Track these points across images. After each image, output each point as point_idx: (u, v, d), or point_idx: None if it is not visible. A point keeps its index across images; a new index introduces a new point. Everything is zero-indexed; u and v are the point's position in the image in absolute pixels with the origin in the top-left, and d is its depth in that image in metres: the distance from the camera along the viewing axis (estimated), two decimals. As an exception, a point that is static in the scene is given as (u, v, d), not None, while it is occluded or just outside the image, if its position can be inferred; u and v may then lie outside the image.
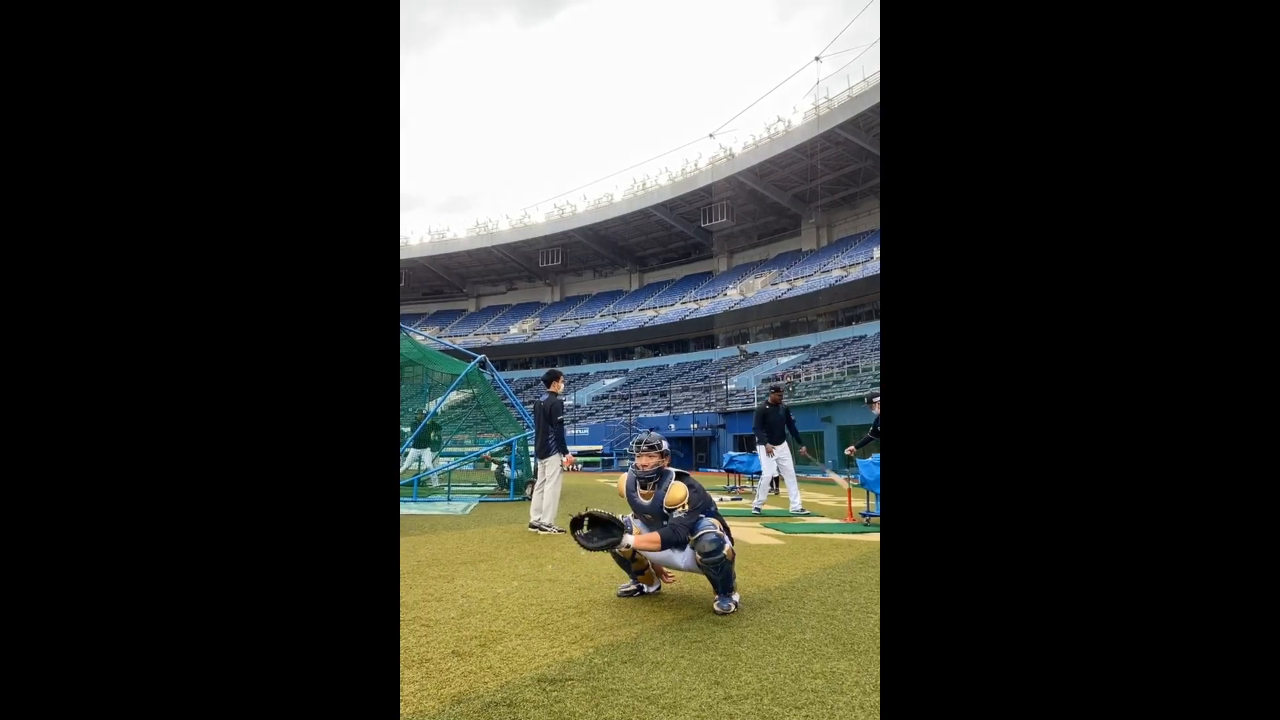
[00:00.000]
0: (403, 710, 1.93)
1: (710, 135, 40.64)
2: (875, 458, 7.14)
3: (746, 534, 6.25)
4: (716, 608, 3.15)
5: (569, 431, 8.72)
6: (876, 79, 30.27)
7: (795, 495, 8.12)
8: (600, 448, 28.85)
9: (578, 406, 37.37)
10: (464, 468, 14.80)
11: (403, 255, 47.50)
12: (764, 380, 26.58)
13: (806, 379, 27.85)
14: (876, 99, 29.31)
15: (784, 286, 37.35)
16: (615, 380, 42.58)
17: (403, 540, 5.60)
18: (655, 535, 3.20)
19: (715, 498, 11.92)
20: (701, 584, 3.80)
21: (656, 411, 33.34)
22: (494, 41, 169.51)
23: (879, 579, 2.99)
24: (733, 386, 30.71)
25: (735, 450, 17.53)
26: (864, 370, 25.03)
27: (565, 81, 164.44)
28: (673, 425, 30.58)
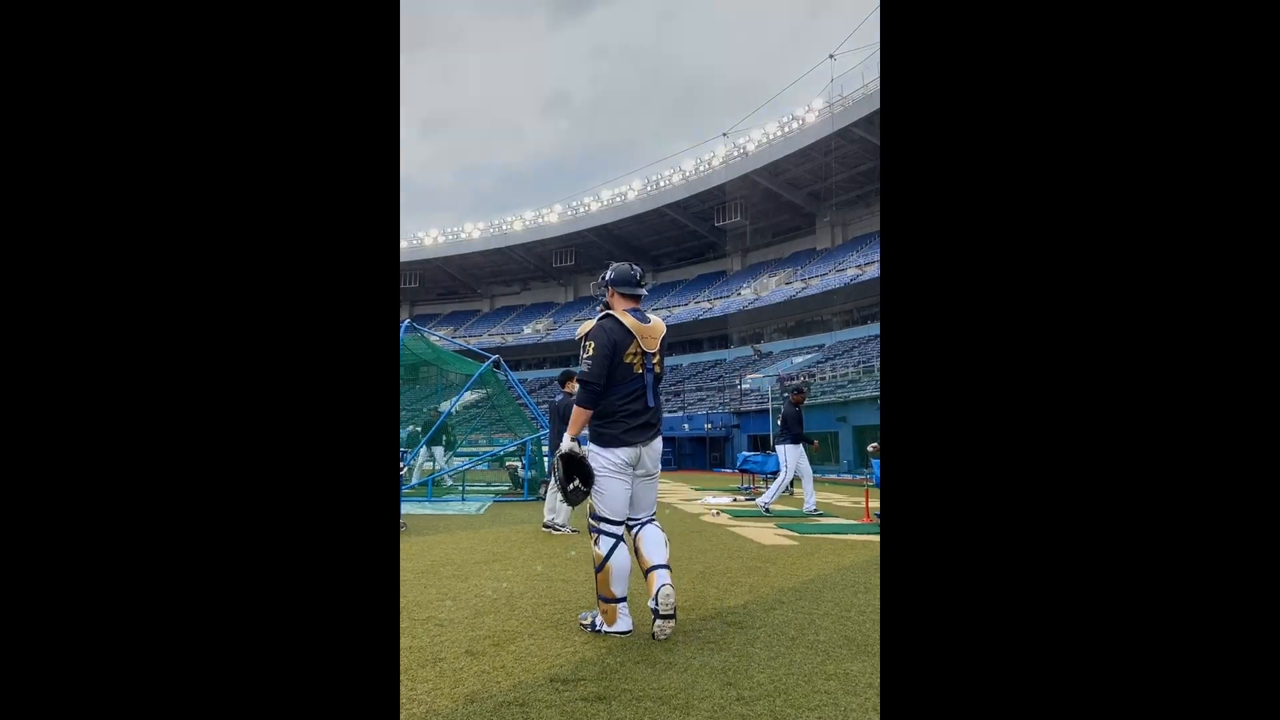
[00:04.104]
0: (416, 709, 1.94)
1: (724, 135, 40.45)
2: None
3: (760, 534, 6.23)
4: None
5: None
6: (891, 76, 30.02)
7: (810, 496, 8.38)
8: (614, 447, 28.75)
9: (591, 406, 37.37)
10: (478, 468, 14.87)
11: (417, 256, 47.83)
12: (779, 380, 26.49)
13: (821, 379, 27.72)
14: (891, 96, 29.08)
15: (798, 285, 37.14)
16: (629, 380, 42.30)
17: (417, 540, 5.64)
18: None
19: (728, 498, 11.72)
20: (713, 585, 3.80)
21: (670, 411, 33.31)
22: (523, 42, 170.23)
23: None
24: (747, 386, 30.63)
25: (749, 450, 17.46)
26: (879, 370, 24.82)
27: (585, 81, 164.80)
28: (686, 425, 30.53)
